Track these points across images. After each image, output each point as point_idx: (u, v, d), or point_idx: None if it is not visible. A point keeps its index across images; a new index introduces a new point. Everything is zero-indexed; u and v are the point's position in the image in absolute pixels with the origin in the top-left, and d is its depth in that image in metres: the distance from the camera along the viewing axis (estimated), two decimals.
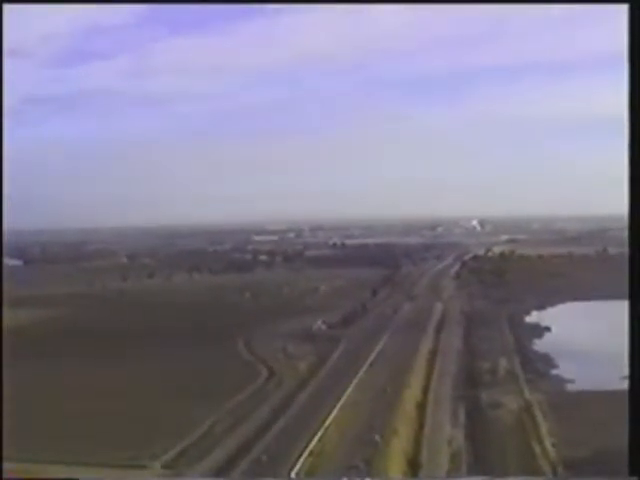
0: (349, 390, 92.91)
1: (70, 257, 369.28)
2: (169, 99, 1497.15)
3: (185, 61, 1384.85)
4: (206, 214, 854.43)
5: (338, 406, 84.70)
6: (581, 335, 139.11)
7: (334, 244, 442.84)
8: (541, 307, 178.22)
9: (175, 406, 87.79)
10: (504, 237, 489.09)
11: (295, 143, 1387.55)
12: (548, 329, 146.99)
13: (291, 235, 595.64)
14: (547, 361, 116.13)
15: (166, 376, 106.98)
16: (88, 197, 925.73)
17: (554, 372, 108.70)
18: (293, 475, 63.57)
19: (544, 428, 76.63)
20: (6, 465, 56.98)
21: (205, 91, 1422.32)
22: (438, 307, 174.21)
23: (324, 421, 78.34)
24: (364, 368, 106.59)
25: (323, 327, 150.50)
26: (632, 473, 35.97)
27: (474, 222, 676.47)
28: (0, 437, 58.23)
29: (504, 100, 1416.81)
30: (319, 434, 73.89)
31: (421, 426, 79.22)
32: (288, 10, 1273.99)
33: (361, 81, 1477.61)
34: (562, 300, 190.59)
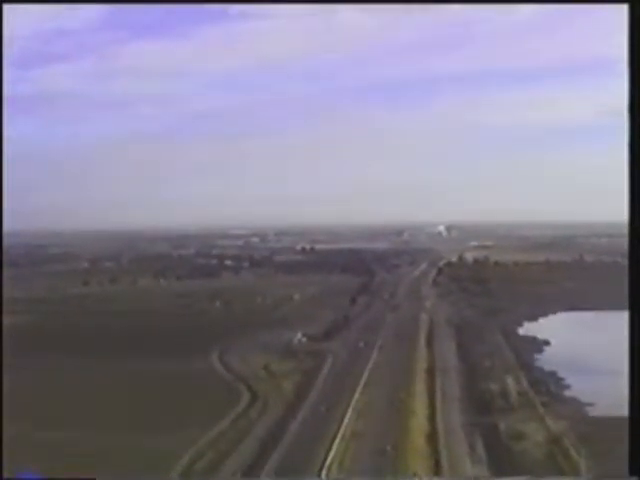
0: (346, 418, 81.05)
1: (30, 261, 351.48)
2: (130, 102, 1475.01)
3: (146, 64, 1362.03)
4: (167, 217, 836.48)
5: (337, 441, 72.77)
6: (582, 349, 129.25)
7: (303, 249, 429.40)
8: (532, 318, 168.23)
9: (135, 440, 74.60)
10: (473, 243, 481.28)
11: (256, 147, 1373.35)
12: (547, 343, 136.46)
13: (255, 240, 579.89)
14: (556, 380, 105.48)
15: (129, 399, 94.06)
16: (48, 200, 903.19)
17: (568, 394, 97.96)
18: None
19: (583, 466, 65.73)
20: None
21: (166, 94, 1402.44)
22: (424, 319, 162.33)
23: (323, 462, 66.50)
24: (358, 390, 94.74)
25: (304, 340, 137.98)
26: (632, 473, 35.86)
27: (441, 228, 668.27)
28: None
29: (470, 106, 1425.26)
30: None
31: (437, 463, 67.75)
32: (253, 15, 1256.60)
33: (326, 86, 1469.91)
34: (552, 310, 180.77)
